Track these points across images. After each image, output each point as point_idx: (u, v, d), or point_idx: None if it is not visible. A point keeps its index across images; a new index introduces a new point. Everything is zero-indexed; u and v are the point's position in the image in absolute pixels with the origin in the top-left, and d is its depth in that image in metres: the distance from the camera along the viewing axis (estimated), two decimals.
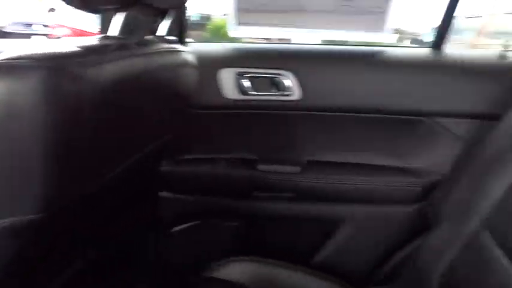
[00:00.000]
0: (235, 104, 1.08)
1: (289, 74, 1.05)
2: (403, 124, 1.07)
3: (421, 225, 1.02)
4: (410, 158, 1.08)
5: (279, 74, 1.06)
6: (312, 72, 1.05)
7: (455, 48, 1.09)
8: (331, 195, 1.10)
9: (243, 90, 1.07)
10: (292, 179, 1.09)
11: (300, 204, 1.11)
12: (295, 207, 1.12)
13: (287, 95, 1.06)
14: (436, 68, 1.04)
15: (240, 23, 1.08)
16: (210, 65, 1.07)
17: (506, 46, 1.02)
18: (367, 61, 1.06)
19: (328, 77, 1.05)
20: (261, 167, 1.09)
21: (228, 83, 1.06)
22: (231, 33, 1.10)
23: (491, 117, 0.90)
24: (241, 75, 1.06)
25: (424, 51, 1.08)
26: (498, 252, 0.72)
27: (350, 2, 1.04)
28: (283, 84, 1.06)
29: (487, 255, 0.74)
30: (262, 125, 1.11)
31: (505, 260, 0.69)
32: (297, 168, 1.09)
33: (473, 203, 0.82)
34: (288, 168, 1.09)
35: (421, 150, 1.08)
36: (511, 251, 0.70)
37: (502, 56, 1.01)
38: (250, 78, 1.06)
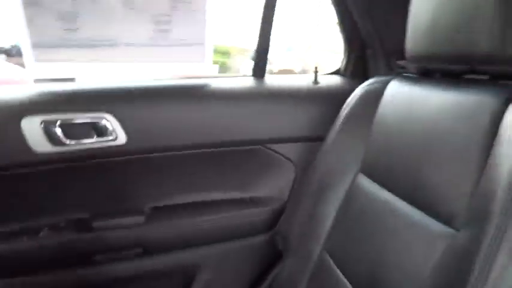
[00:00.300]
0: (47, 158, 0.91)
1: (110, 117, 0.93)
2: (242, 155, 1.06)
3: (275, 255, 1.01)
4: (254, 188, 1.07)
5: (98, 118, 0.93)
6: (136, 112, 0.96)
7: (274, 76, 1.13)
8: (182, 242, 1.01)
9: (55, 141, 0.90)
10: (136, 231, 0.97)
11: (149, 258, 1.00)
12: (145, 263, 1.00)
13: (111, 140, 0.94)
14: (261, 96, 1.06)
15: (36, 60, 0.91)
16: (8, 115, 0.88)
17: (316, 71, 1.09)
18: (194, 95, 1.01)
19: (155, 115, 0.97)
20: (97, 224, 0.95)
21: (34, 134, 0.89)
22: (30, 74, 0.93)
23: (317, 139, 0.94)
24: (51, 123, 0.90)
25: (248, 81, 1.09)
26: (340, 276, 0.74)
27: (165, 33, 0.98)
28: (105, 128, 0.93)
29: (332, 280, 0.75)
30: (87, 178, 0.96)
31: (346, 283, 0.71)
32: (140, 218, 0.97)
33: (313, 228, 0.84)
34: (130, 220, 0.97)
35: (263, 178, 1.08)
36: (349, 273, 0.72)
37: (315, 81, 1.08)
38: (63, 126, 0.91)
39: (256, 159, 1.06)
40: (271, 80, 1.09)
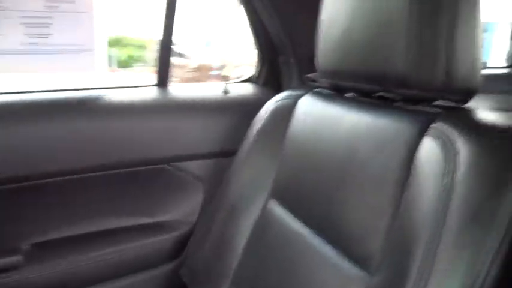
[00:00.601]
0: None
1: None
2: (144, 176, 0.93)
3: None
4: (160, 212, 0.96)
5: None
6: (2, 133, 0.78)
7: (180, 84, 1.01)
8: (74, 281, 0.86)
9: None
10: (11, 275, 0.80)
11: None
12: None
13: None
14: (165, 108, 0.94)
15: None
16: None
17: (226, 78, 1.00)
18: (83, 109, 0.86)
19: (31, 136, 0.81)
20: None
21: None
22: None
23: (229, 154, 0.85)
24: None
25: (150, 91, 0.96)
26: None
27: (43, 39, 0.82)
28: None
29: None
30: None
31: None
32: (16, 259, 0.81)
33: (222, 258, 0.75)
34: (3, 262, 0.80)
35: (169, 200, 0.96)
36: None
37: (225, 91, 0.99)
38: None
39: (161, 179, 0.95)
40: (177, 90, 0.97)
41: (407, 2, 0.49)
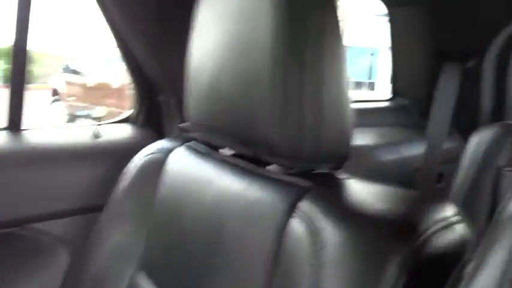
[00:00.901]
0: None
1: None
2: None
3: None
4: (13, 284, 0.79)
5: None
6: None
7: (38, 128, 0.85)
8: None
9: None
10: None
11: None
12: None
13: None
14: (17, 158, 0.78)
15: None
16: None
17: (99, 119, 0.87)
18: None
19: None
20: None
21: None
22: None
23: (100, 209, 0.72)
24: None
25: None
26: None
27: None
28: None
29: None
30: None
31: None
32: None
33: None
34: None
35: (24, 270, 0.80)
36: None
37: (96, 134, 0.85)
38: None
39: (13, 245, 0.78)
40: (33, 135, 0.82)
41: (271, 61, 0.44)
